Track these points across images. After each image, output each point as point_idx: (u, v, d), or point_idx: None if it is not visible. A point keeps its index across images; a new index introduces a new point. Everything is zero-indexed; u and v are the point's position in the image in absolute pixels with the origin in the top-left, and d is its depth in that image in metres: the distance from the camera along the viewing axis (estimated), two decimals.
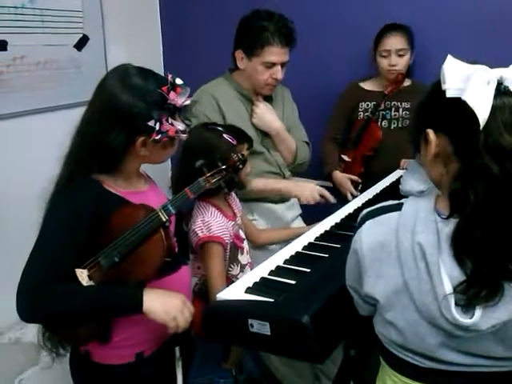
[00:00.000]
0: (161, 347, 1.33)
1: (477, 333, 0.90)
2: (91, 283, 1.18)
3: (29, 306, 1.15)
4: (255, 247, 1.79)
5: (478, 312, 0.88)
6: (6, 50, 2.27)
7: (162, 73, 3.09)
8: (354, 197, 2.08)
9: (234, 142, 1.50)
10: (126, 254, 1.16)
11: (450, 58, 0.90)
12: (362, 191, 2.14)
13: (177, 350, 1.31)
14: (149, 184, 1.37)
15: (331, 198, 1.85)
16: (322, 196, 1.85)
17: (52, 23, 2.46)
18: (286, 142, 2.03)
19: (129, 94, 1.16)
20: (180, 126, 1.19)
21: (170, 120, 1.17)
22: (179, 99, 1.18)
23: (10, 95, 2.31)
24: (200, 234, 1.47)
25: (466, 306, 0.89)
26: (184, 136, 1.22)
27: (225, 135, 1.49)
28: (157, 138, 1.16)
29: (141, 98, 1.16)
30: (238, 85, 1.97)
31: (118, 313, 1.21)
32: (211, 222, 1.48)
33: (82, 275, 1.18)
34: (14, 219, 2.33)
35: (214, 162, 1.27)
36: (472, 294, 0.87)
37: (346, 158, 2.35)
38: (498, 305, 0.88)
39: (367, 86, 2.36)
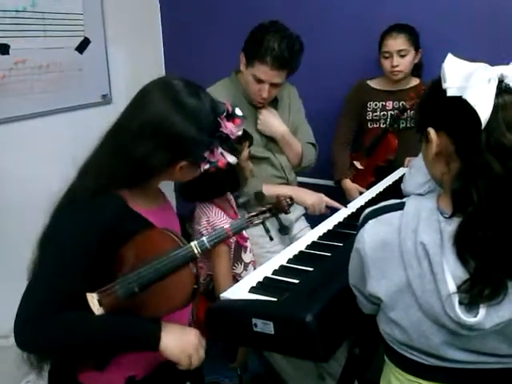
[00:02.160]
0: (153, 371, 1.23)
1: (481, 331, 0.90)
2: (102, 310, 1.08)
3: (32, 335, 1.03)
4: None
5: (482, 311, 0.88)
6: (8, 53, 2.28)
7: (164, 74, 3.11)
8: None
9: None
10: (148, 285, 1.07)
11: (450, 56, 0.90)
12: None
13: None
14: (164, 199, 1.30)
15: (340, 207, 1.83)
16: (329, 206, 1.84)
17: (53, 26, 2.47)
18: (291, 146, 2.02)
19: (182, 116, 1.06)
20: (230, 158, 1.12)
21: (219, 149, 1.11)
22: (235, 131, 1.12)
23: (12, 99, 2.32)
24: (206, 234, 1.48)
25: (470, 305, 0.89)
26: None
27: None
28: (205, 167, 1.10)
29: (195, 122, 1.07)
30: (243, 88, 1.96)
31: (132, 348, 1.12)
32: (216, 222, 1.49)
33: (94, 301, 1.07)
34: (16, 223, 2.34)
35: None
36: (476, 292, 0.87)
37: (358, 165, 2.35)
38: (501, 303, 0.88)
39: (375, 84, 2.37)
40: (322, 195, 1.91)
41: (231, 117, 1.12)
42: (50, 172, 2.51)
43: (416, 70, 2.31)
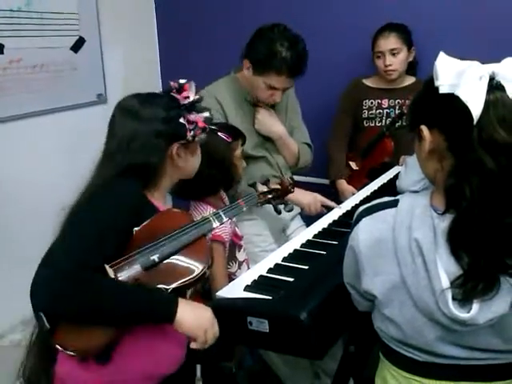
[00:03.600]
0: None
1: (474, 327, 0.91)
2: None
3: (55, 291, 1.00)
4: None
5: (475, 306, 0.89)
6: (2, 53, 2.28)
7: (159, 73, 3.10)
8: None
9: (229, 140, 1.52)
10: (168, 255, 1.09)
11: (442, 54, 0.90)
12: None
13: (198, 368, 1.24)
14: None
15: (335, 206, 1.84)
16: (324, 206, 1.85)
17: (48, 26, 2.47)
18: (288, 146, 2.02)
19: (148, 120, 1.17)
20: (204, 113, 1.20)
21: (191, 115, 1.19)
22: (191, 94, 1.19)
23: (6, 98, 2.32)
24: None
25: (463, 301, 0.89)
26: (203, 136, 1.22)
27: (219, 133, 1.50)
28: (191, 134, 1.17)
29: (158, 113, 1.17)
30: (242, 88, 1.96)
31: (148, 317, 1.08)
32: None
33: (110, 274, 1.07)
34: (11, 221, 2.34)
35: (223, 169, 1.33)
36: (469, 287, 0.88)
37: (353, 165, 2.36)
38: (494, 298, 0.88)
39: (370, 82, 2.38)
40: (317, 195, 1.91)
41: (181, 88, 1.19)
42: (46, 171, 2.52)
43: (411, 69, 2.31)
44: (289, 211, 1.54)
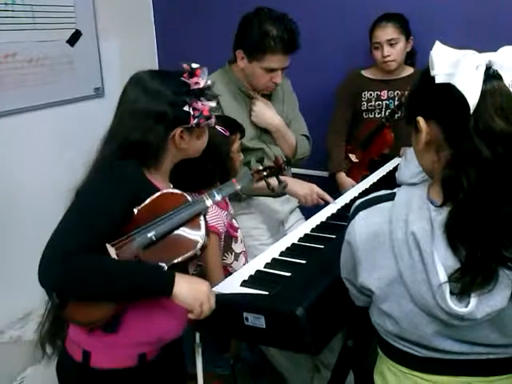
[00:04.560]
0: (163, 351, 1.28)
1: (472, 321, 0.90)
2: None
3: (59, 272, 1.08)
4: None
5: (473, 300, 0.88)
6: None
7: (157, 67, 3.08)
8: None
9: (227, 133, 1.50)
10: (165, 234, 1.15)
11: (438, 43, 0.89)
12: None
13: (197, 335, 1.30)
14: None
15: (331, 200, 1.83)
16: (320, 197, 1.83)
17: (44, 19, 2.44)
18: (285, 138, 2.01)
19: (153, 97, 1.18)
20: (211, 103, 1.21)
21: (199, 102, 1.20)
22: (201, 80, 1.20)
23: (2, 93, 2.30)
24: None
25: (461, 295, 0.89)
26: (212, 121, 1.24)
27: (217, 127, 1.48)
28: (194, 121, 1.18)
29: (166, 93, 1.18)
30: (237, 79, 1.95)
31: (147, 292, 1.15)
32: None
33: (112, 253, 1.14)
34: (5, 216, 2.33)
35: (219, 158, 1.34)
36: (467, 280, 0.87)
37: (353, 158, 2.35)
38: (492, 292, 0.88)
39: (368, 73, 2.35)
40: (314, 186, 1.89)
41: (193, 72, 1.20)
42: (43, 166, 2.51)
43: (409, 59, 2.29)
44: (283, 189, 1.53)
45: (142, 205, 1.16)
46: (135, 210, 1.16)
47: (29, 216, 2.35)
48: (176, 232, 1.15)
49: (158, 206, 1.16)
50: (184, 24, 2.95)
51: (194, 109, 1.18)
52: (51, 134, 2.50)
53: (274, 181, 1.42)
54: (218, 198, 1.21)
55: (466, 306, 0.88)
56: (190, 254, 1.15)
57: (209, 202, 1.19)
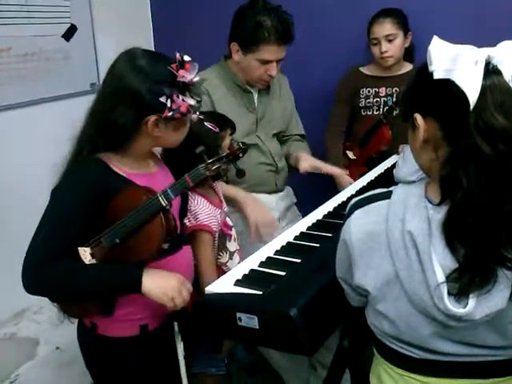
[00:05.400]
0: (165, 322, 1.34)
1: (470, 322, 0.88)
2: (93, 261, 1.22)
3: (32, 281, 1.19)
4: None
5: (472, 301, 0.87)
6: None
7: None
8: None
9: (217, 130, 1.48)
10: (127, 235, 1.19)
11: (435, 38, 0.87)
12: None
13: (175, 324, 1.32)
14: (158, 165, 1.37)
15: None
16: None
17: (39, 13, 2.42)
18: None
19: (138, 74, 1.18)
20: (191, 101, 1.20)
21: (180, 97, 1.18)
22: (188, 75, 1.18)
23: None
24: (188, 224, 1.47)
25: (459, 296, 0.87)
26: (195, 116, 1.24)
27: (206, 123, 1.46)
28: (169, 114, 1.17)
29: (150, 76, 1.18)
30: (232, 74, 1.93)
31: (118, 292, 1.25)
32: (197, 211, 1.48)
33: (85, 253, 1.21)
34: (5, 216, 2.32)
35: (212, 150, 1.29)
36: (466, 281, 0.86)
37: (351, 155, 2.33)
38: (491, 293, 0.86)
39: (367, 70, 2.34)
40: (274, 221, 1.79)
41: (182, 64, 1.19)
42: (38, 162, 2.48)
43: (408, 55, 2.27)
44: (241, 177, 1.48)
45: (111, 201, 1.20)
46: (110, 204, 1.21)
47: (24, 212, 2.33)
48: (139, 231, 1.19)
49: (122, 205, 1.20)
50: (181, 18, 2.93)
51: (172, 101, 1.17)
52: (47, 130, 2.48)
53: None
54: (172, 196, 1.19)
55: (464, 307, 0.87)
56: (154, 251, 1.21)
57: (163, 202, 1.18)
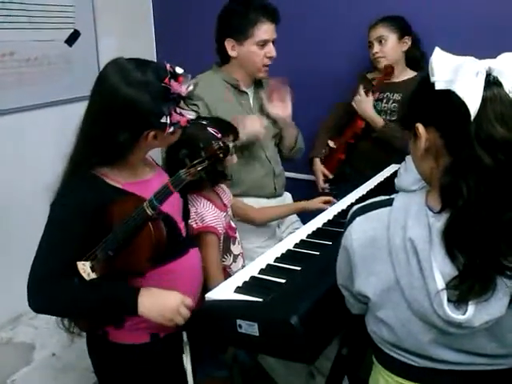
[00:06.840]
0: (176, 331, 1.33)
1: (470, 329, 0.89)
2: (93, 275, 1.20)
3: (34, 300, 1.20)
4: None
5: (471, 308, 0.87)
6: None
7: None
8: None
9: (219, 135, 1.48)
10: (119, 247, 1.18)
11: (437, 49, 0.88)
12: (332, 190, 2.31)
13: (184, 334, 1.31)
14: (154, 171, 1.36)
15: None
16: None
17: (42, 18, 2.42)
18: (291, 128, 2.05)
19: (131, 91, 1.15)
20: (189, 115, 1.21)
21: (178, 110, 1.18)
22: (183, 88, 1.18)
23: None
24: (194, 226, 1.49)
25: (459, 302, 0.88)
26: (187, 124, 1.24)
27: (209, 128, 1.47)
28: (170, 130, 1.17)
29: (144, 93, 1.15)
30: (228, 76, 1.95)
31: (116, 315, 1.26)
32: (204, 213, 1.50)
33: (85, 268, 1.20)
34: (6, 222, 2.31)
35: (197, 153, 1.26)
36: (465, 288, 0.86)
37: (331, 143, 2.39)
38: (490, 300, 0.87)
39: (371, 76, 2.36)
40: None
41: (174, 77, 1.17)
42: (40, 166, 2.48)
43: (415, 63, 2.28)
44: (223, 182, 1.52)
45: (107, 212, 1.20)
46: (105, 220, 1.20)
47: (25, 216, 2.33)
48: (131, 242, 1.18)
49: (116, 215, 1.19)
50: (183, 24, 2.94)
51: (172, 118, 1.17)
52: (49, 134, 2.48)
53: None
54: (157, 204, 1.16)
55: (464, 314, 0.87)
56: (147, 261, 1.19)
57: (149, 211, 1.15)
